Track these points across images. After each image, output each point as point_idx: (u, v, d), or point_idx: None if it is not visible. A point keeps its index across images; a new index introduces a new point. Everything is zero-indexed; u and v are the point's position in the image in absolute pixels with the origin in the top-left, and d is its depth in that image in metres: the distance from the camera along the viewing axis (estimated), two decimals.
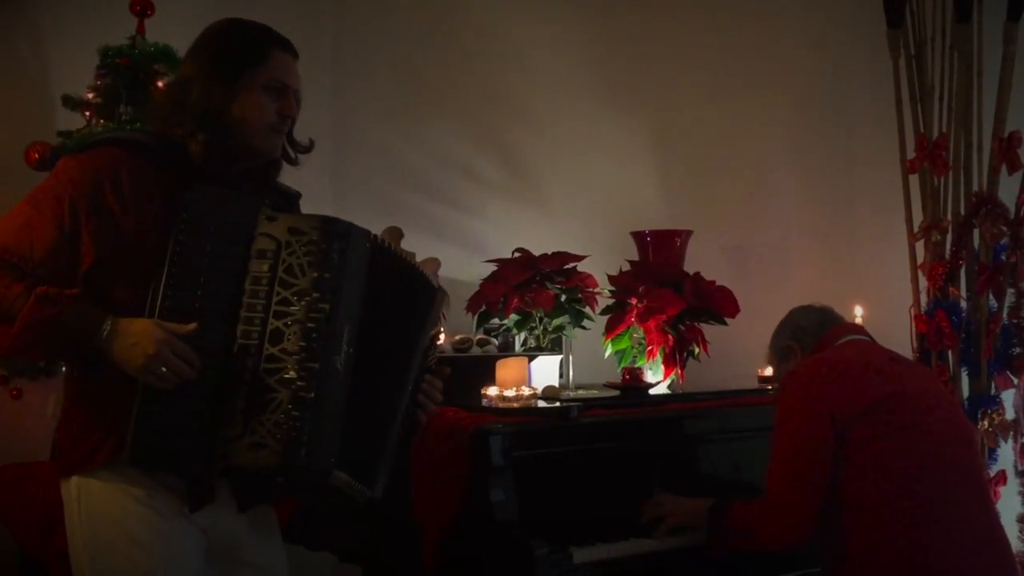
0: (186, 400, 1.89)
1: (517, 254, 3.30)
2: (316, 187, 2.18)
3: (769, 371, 3.00)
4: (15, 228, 1.96)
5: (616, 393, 3.06)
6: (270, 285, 1.93)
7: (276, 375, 1.90)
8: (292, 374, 1.90)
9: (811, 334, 2.65)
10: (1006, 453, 3.35)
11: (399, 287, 2.10)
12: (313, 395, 1.90)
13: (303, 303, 1.92)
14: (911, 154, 3.51)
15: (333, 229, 1.97)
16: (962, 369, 3.41)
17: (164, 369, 1.86)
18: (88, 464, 1.97)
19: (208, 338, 1.91)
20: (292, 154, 2.18)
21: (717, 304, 3.23)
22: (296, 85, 2.11)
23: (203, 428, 1.90)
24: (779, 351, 2.71)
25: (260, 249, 1.95)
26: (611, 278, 3.33)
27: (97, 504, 1.98)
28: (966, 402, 3.38)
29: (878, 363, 2.49)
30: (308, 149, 2.19)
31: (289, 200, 2.20)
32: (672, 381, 3.21)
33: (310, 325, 1.91)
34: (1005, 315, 3.36)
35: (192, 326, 1.88)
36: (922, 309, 3.45)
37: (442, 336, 3.04)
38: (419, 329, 2.13)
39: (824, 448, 2.38)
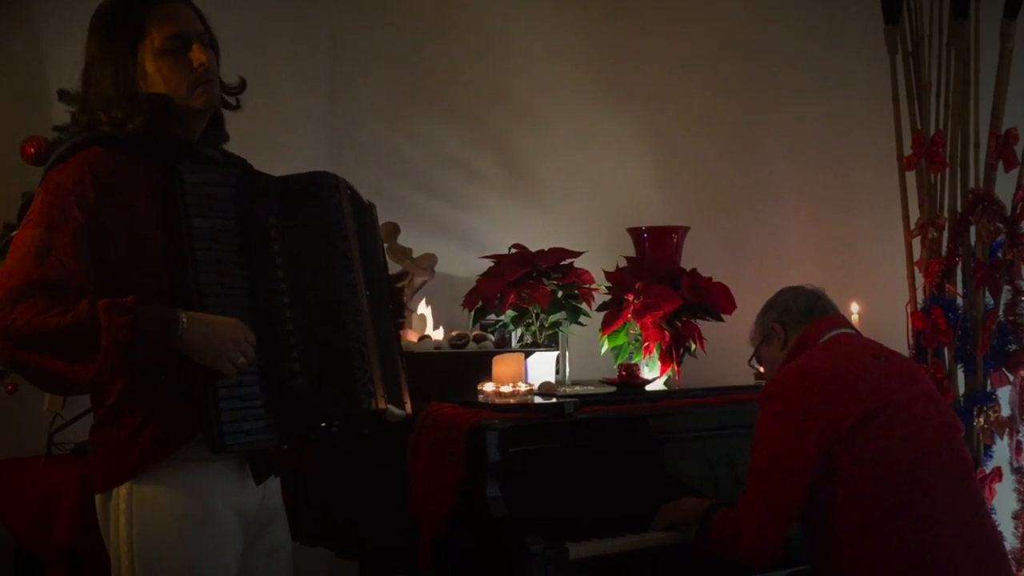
0: (247, 377, 1.91)
1: (514, 250, 3.30)
2: None
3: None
4: (34, 257, 1.85)
5: (612, 389, 3.06)
6: (282, 247, 1.97)
7: (320, 331, 1.95)
8: (335, 326, 1.95)
9: (797, 320, 2.58)
10: (1002, 450, 3.36)
11: (368, 221, 2.18)
12: (357, 340, 1.97)
13: (321, 257, 1.98)
14: (908, 151, 3.51)
15: (325, 182, 2.03)
16: (958, 366, 3.42)
17: (243, 359, 1.87)
18: (147, 463, 1.92)
19: (252, 314, 1.93)
20: (232, 101, 2.14)
21: (714, 300, 3.24)
22: (195, 29, 2.00)
23: (273, 400, 1.93)
24: (762, 331, 2.65)
25: (260, 216, 1.97)
26: (608, 274, 3.33)
27: (152, 515, 1.93)
28: (962, 399, 3.39)
29: (863, 367, 2.42)
30: (240, 89, 2.13)
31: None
32: (668, 377, 3.22)
33: (336, 277, 1.97)
34: (1001, 312, 3.37)
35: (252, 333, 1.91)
36: (918, 306, 3.46)
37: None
38: (377, 250, 2.22)
39: (804, 470, 2.33)
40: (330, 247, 1.99)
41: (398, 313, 2.28)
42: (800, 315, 2.59)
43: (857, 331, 2.65)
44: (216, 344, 1.85)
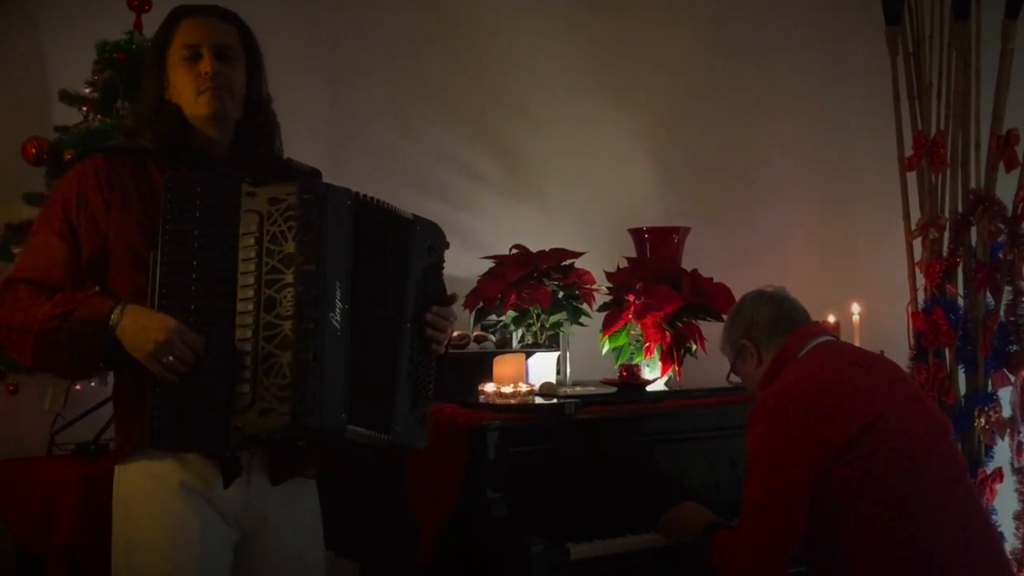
0: (197, 379, 1.94)
1: (515, 251, 3.30)
2: None
3: None
4: (33, 253, 2.08)
5: (613, 390, 3.06)
6: (258, 257, 1.98)
7: (275, 341, 1.94)
8: (290, 337, 1.93)
9: (767, 333, 2.53)
10: (1003, 450, 3.35)
11: (384, 235, 2.12)
12: (312, 354, 1.93)
13: (291, 268, 1.96)
14: (909, 151, 3.51)
15: (309, 191, 2.01)
16: (959, 366, 3.41)
17: (171, 358, 1.91)
18: (123, 451, 2.08)
19: (209, 318, 1.96)
20: (267, 121, 2.22)
21: (714, 301, 3.24)
22: (213, 41, 2.11)
23: (215, 404, 1.95)
24: (733, 347, 2.60)
25: (246, 224, 1.99)
26: (608, 275, 3.33)
27: (130, 496, 2.07)
28: (963, 399, 3.39)
29: (848, 379, 2.39)
30: (266, 102, 2.23)
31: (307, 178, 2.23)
32: (669, 378, 3.22)
33: (300, 288, 1.95)
34: (1002, 312, 3.37)
35: (203, 339, 1.94)
36: (919, 307, 3.46)
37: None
38: (405, 268, 2.13)
39: (801, 494, 2.29)
40: (299, 258, 1.96)
41: (420, 334, 2.14)
42: (768, 327, 2.54)
43: (834, 336, 2.62)
44: (142, 341, 1.91)
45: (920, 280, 3.48)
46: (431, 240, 2.19)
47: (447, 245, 2.23)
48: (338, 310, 2.00)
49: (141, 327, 1.92)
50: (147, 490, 2.05)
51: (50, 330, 1.95)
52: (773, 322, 2.54)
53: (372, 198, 2.13)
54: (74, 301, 1.96)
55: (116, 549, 2.10)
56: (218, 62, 2.10)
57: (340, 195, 2.06)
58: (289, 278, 1.95)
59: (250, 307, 1.96)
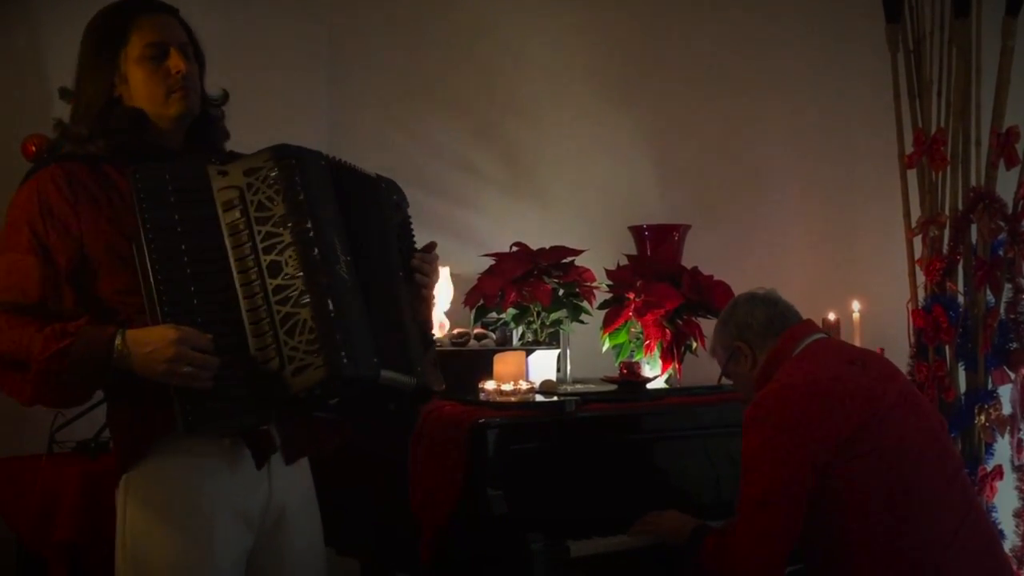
0: (220, 358, 1.91)
1: (515, 248, 3.30)
2: None
3: None
4: (3, 276, 1.97)
5: (614, 388, 3.06)
6: (248, 227, 1.96)
7: (290, 302, 1.92)
8: (305, 294, 1.92)
9: (760, 334, 2.54)
10: (1003, 448, 3.35)
11: (360, 192, 2.14)
12: (332, 305, 1.92)
13: (287, 229, 1.95)
14: (909, 149, 3.51)
15: (285, 155, 2.00)
16: (959, 364, 3.41)
17: (188, 368, 1.87)
18: (138, 453, 2.00)
19: (212, 299, 1.94)
20: (217, 112, 2.20)
21: (715, 298, 3.23)
22: (176, 39, 2.09)
23: (242, 378, 1.93)
24: (726, 349, 2.60)
25: (225, 202, 1.97)
26: (609, 272, 3.33)
27: (140, 505, 2.01)
28: (963, 397, 3.39)
29: (842, 377, 2.38)
30: (222, 101, 2.21)
31: None
32: (669, 375, 3.22)
33: (303, 245, 1.94)
34: (1002, 310, 3.36)
35: (208, 336, 1.90)
36: (919, 304, 3.46)
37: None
38: (383, 221, 2.16)
39: (800, 493, 2.29)
40: (292, 217, 1.95)
41: (409, 279, 2.18)
42: (761, 329, 2.54)
43: (826, 333, 2.62)
44: (153, 363, 1.88)
45: (920, 277, 3.48)
46: (396, 196, 2.23)
47: (408, 202, 2.28)
48: (342, 261, 2.00)
49: (147, 351, 1.88)
50: (157, 496, 2.01)
51: (53, 371, 1.89)
52: (767, 323, 2.54)
53: (339, 159, 2.13)
54: (67, 334, 1.90)
55: (122, 557, 2.03)
56: (185, 61, 2.08)
57: (314, 157, 2.06)
58: (288, 238, 1.94)
59: (253, 277, 1.95)
